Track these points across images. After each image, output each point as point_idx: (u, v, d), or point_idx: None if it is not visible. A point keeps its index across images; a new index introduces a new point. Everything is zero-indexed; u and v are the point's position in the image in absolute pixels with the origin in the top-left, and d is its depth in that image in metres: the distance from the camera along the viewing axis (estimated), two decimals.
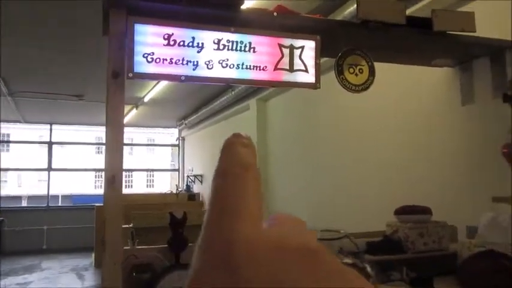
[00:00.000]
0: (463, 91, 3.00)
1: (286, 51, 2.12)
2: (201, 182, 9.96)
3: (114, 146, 1.99)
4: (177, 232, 2.29)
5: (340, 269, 0.22)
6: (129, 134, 16.89)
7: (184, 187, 10.61)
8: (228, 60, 2.02)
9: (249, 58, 2.06)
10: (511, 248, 2.19)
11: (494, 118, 2.75)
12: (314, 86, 2.17)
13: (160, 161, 16.61)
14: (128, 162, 16.99)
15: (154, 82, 6.61)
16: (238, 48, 2.04)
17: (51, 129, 10.99)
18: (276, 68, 2.10)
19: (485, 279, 2.25)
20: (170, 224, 2.31)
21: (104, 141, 2.03)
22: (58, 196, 18.46)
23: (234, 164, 0.27)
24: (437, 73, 3.16)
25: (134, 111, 8.80)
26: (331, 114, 4.74)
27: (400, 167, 3.60)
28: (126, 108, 8.87)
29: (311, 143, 5.21)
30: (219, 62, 2.01)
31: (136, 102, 8.24)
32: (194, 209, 9.06)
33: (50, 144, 10.97)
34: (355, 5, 2.25)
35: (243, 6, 2.08)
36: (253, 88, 6.19)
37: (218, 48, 2.01)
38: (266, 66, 2.08)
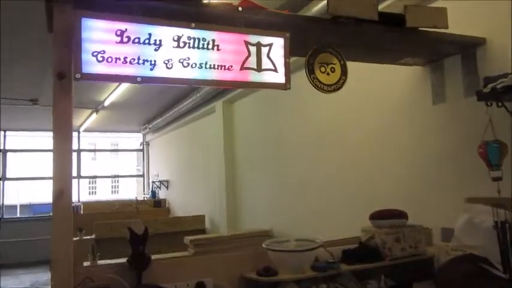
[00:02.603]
0: (434, 90, 2.93)
1: (253, 49, 1.95)
2: (167, 187, 9.66)
3: (63, 156, 1.76)
4: (137, 249, 2.07)
5: None
6: (92, 139, 16.26)
7: (150, 193, 10.26)
8: (189, 59, 1.83)
9: (213, 57, 1.88)
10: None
11: (467, 117, 2.69)
12: (284, 87, 2.01)
13: (126, 166, 16.08)
14: (91, 169, 16.30)
15: (114, 85, 6.30)
16: (201, 45, 1.85)
17: (4, 136, 10.37)
18: (242, 68, 1.93)
19: (466, 284, 2.17)
20: (130, 240, 2.09)
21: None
22: (16, 206, 17.54)
23: None
24: (407, 72, 3.08)
25: (94, 115, 8.41)
26: (300, 115, 4.62)
27: (370, 169, 3.51)
28: (86, 112, 8.47)
29: (280, 145, 5.07)
30: (179, 61, 1.82)
31: (96, 107, 7.86)
32: (160, 216, 8.76)
33: (4, 152, 10.34)
34: (324, 1, 2.12)
35: (205, 0, 1.90)
36: (219, 90, 6.00)
37: (178, 46, 1.82)
38: (232, 66, 1.91)
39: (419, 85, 3.05)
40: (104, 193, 20.40)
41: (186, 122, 8.05)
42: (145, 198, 10.59)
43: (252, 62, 1.95)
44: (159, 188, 10.00)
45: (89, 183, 20.39)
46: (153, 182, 10.26)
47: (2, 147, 10.34)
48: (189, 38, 1.84)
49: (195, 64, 1.84)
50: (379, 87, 3.41)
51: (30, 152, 12.41)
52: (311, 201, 4.35)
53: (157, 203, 9.44)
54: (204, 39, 1.86)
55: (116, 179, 21.34)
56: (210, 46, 1.87)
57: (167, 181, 9.66)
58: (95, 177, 18.99)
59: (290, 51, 2.03)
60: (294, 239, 2.45)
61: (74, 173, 11.06)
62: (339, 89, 2.14)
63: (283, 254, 2.28)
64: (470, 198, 2.60)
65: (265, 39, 1.98)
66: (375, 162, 3.47)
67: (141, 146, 11.48)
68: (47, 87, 6.33)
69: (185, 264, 2.32)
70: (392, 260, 2.45)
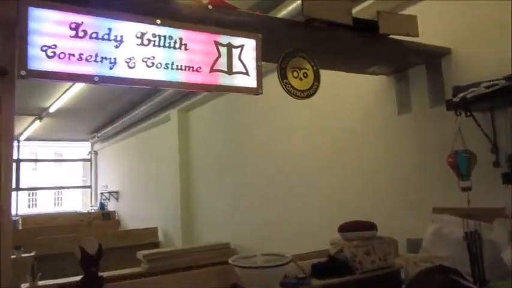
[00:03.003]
0: (399, 100, 2.93)
1: (223, 50, 1.80)
2: (117, 199, 9.19)
3: (2, 169, 1.51)
4: (90, 271, 1.84)
5: None
6: (33, 148, 15.25)
7: (98, 205, 9.73)
8: (154, 58, 1.65)
9: (180, 57, 1.71)
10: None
11: (433, 127, 2.68)
12: (256, 91, 1.88)
13: (71, 177, 15.21)
14: (31, 179, 15.27)
15: (60, 90, 5.90)
16: (167, 44, 1.68)
17: None
18: (212, 70, 1.77)
19: None
20: (81, 261, 1.85)
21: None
22: None
23: None
24: (373, 81, 3.06)
25: (37, 123, 7.84)
26: (259, 123, 4.50)
27: (336, 177, 3.45)
28: (27, 120, 7.89)
29: (238, 154, 4.93)
30: (143, 60, 1.64)
31: (40, 114, 7.34)
32: (110, 229, 8.29)
33: None
34: (296, 3, 2.02)
35: None
36: (174, 97, 5.77)
37: (142, 44, 1.64)
38: (200, 67, 1.75)
39: (384, 95, 3.04)
40: (45, 205, 19.15)
41: (139, 130, 7.71)
42: (93, 210, 10.05)
43: (222, 64, 1.80)
44: (108, 199, 9.51)
45: (29, 195, 19.11)
46: (102, 193, 9.74)
47: None
48: (153, 35, 1.66)
49: (160, 64, 1.66)
50: (345, 95, 3.38)
51: None
52: (272, 212, 4.23)
53: (106, 215, 8.96)
54: (170, 38, 1.69)
55: (59, 190, 20.15)
56: (177, 45, 1.70)
57: (117, 192, 9.20)
58: (36, 188, 17.76)
59: (262, 54, 1.91)
60: (260, 253, 2.31)
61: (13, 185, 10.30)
62: (312, 95, 2.04)
63: (252, 270, 2.12)
64: (437, 208, 2.59)
65: (237, 40, 1.84)
66: (341, 171, 3.41)
67: (89, 156, 10.89)
68: None
69: (144, 285, 2.11)
70: (362, 273, 2.36)
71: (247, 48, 1.87)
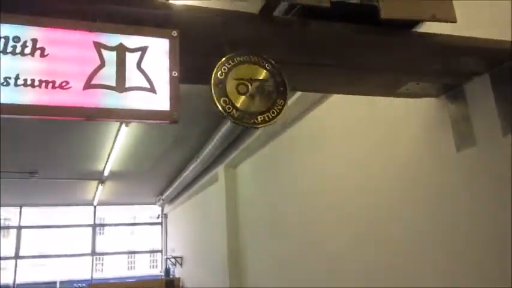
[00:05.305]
0: (457, 130, 2.00)
1: (109, 55, 1.18)
2: (181, 264, 8.69)
3: None
4: None
5: None
6: (99, 213, 14.61)
7: (163, 271, 9.32)
8: None
9: (33, 67, 1.12)
10: None
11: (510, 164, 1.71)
12: (168, 117, 1.20)
13: (143, 241, 14.86)
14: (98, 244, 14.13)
15: (107, 150, 5.73)
16: (9, 49, 1.10)
17: (20, 213, 10.03)
18: (88, 85, 1.14)
19: None
20: None
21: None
22: (55, 283, 16.84)
23: None
24: (420, 104, 2.19)
25: (100, 187, 7.85)
26: (307, 176, 3.68)
27: (386, 244, 2.50)
28: (93, 184, 7.94)
29: (288, 212, 4.09)
30: None
31: (100, 177, 7.31)
32: None
33: (19, 228, 9.98)
34: None
35: None
36: (218, 151, 5.22)
37: None
38: (67, 82, 1.13)
39: (434, 124, 2.13)
40: (116, 269, 18.94)
41: (195, 191, 7.29)
42: (162, 277, 9.67)
43: (107, 76, 1.16)
44: (175, 265, 9.06)
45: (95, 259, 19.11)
46: (167, 258, 9.34)
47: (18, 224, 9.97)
48: None
49: None
50: (386, 130, 2.51)
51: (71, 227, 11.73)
52: (325, 278, 3.29)
53: (169, 283, 8.45)
54: (16, 39, 1.11)
55: (133, 254, 19.77)
56: (28, 50, 1.12)
57: (181, 257, 8.72)
58: (100, 253, 16.80)
59: (186, 59, 1.24)
60: None
61: (88, 250, 10.35)
62: (272, 119, 1.29)
63: None
64: None
65: (134, 40, 1.20)
66: (390, 237, 2.47)
67: (159, 219, 10.74)
68: (48, 158, 5.74)
69: None
70: None
71: (154, 52, 1.21)
